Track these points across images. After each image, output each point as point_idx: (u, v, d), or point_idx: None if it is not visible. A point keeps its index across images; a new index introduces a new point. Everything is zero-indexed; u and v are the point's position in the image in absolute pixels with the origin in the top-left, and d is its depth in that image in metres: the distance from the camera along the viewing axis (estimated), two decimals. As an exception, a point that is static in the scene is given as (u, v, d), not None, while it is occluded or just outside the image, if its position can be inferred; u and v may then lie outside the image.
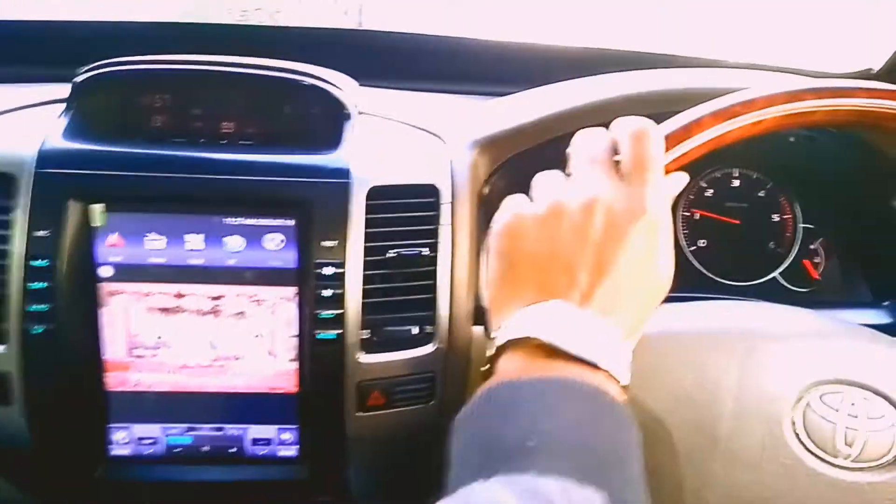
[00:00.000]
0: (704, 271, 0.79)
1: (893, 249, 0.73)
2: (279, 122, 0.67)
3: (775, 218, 0.80)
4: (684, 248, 0.79)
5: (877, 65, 0.93)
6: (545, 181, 0.41)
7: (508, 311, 0.37)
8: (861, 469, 0.46)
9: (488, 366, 0.36)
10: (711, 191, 0.79)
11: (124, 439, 0.67)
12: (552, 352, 0.33)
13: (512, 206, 0.40)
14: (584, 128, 0.68)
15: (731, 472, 0.46)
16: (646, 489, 0.31)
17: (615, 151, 0.40)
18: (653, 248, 0.37)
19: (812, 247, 0.81)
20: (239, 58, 0.70)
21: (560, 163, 0.76)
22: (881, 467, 0.46)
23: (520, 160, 0.71)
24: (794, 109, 0.44)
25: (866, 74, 0.96)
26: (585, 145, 0.41)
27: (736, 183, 0.80)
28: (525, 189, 0.76)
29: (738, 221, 0.79)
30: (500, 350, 0.36)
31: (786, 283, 0.81)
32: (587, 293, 0.35)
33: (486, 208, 0.71)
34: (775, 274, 0.80)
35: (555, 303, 0.35)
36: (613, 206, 0.37)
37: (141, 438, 0.67)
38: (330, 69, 0.77)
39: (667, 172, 0.41)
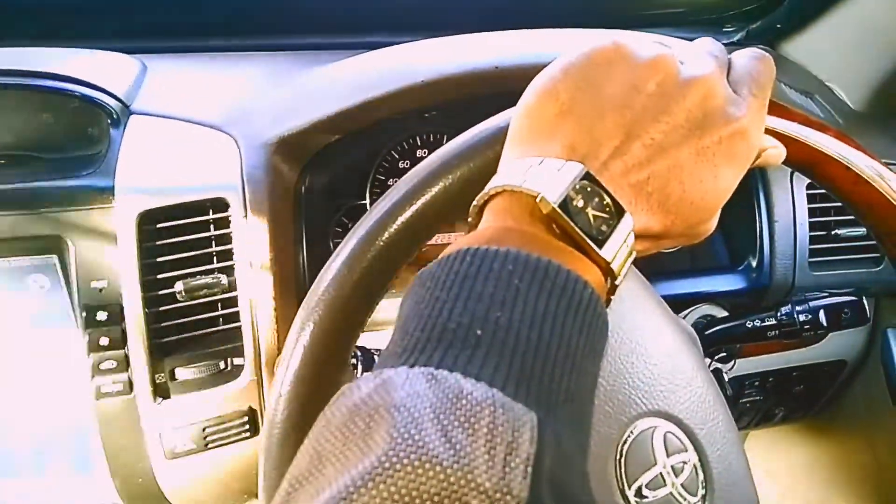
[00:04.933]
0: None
1: (748, 211, 0.68)
2: (34, 135, 0.56)
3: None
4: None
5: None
6: (663, 39, 0.35)
7: (530, 149, 0.31)
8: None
9: (470, 219, 0.31)
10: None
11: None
12: (545, 218, 0.28)
13: (616, 37, 0.33)
14: (387, 116, 0.60)
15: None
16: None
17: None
18: (723, 160, 0.31)
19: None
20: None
21: (383, 144, 0.68)
22: None
23: (334, 153, 0.62)
24: None
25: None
26: (706, 43, 0.35)
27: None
28: (355, 176, 0.68)
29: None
30: (490, 198, 0.30)
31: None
32: (627, 168, 0.30)
33: (307, 205, 0.63)
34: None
35: (575, 165, 0.29)
36: (714, 97, 0.31)
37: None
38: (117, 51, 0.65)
39: None
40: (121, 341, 0.53)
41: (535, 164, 0.29)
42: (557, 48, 0.62)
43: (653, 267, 0.75)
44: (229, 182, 0.56)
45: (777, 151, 0.36)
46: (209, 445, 0.57)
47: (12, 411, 0.57)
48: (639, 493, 0.42)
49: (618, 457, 0.43)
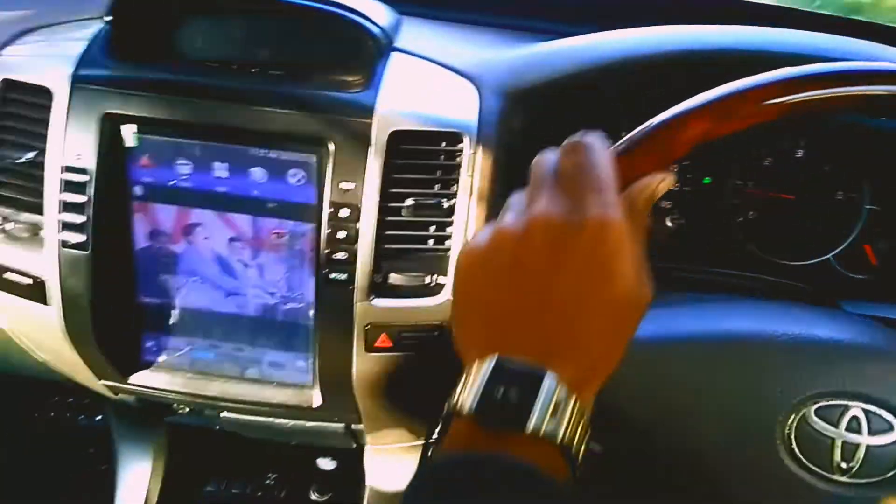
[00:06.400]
0: (750, 246, 0.74)
1: None
2: (312, 53, 0.66)
3: (839, 196, 0.73)
4: (730, 221, 0.74)
5: None
6: (506, 207, 0.38)
7: (464, 359, 0.35)
8: (864, 484, 0.43)
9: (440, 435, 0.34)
10: (770, 160, 0.73)
11: (154, 348, 0.72)
12: (479, 422, 0.31)
13: (466, 243, 0.38)
14: (623, 83, 0.64)
15: (722, 489, 0.45)
16: None
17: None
18: (605, 261, 0.32)
19: (876, 230, 0.74)
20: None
21: (602, 118, 0.72)
22: (888, 481, 0.43)
23: (561, 113, 0.67)
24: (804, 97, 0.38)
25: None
26: (534, 167, 0.37)
27: (799, 154, 0.73)
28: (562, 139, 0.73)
29: (792, 197, 0.72)
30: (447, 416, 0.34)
31: (840, 268, 0.75)
32: (528, 331, 0.32)
33: (519, 160, 0.69)
34: (829, 256, 0.74)
35: (489, 362, 0.32)
36: (552, 222, 0.33)
37: (169, 349, 0.72)
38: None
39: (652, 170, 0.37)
40: (354, 238, 0.61)
41: (465, 379, 0.32)
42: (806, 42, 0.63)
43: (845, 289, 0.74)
44: (467, 121, 0.62)
45: (665, 181, 0.36)
46: (402, 348, 0.64)
47: (251, 284, 0.67)
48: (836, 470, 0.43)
49: (792, 448, 0.44)
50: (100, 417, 1.36)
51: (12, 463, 1.31)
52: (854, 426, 0.43)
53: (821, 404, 0.43)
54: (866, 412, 0.43)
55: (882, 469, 0.43)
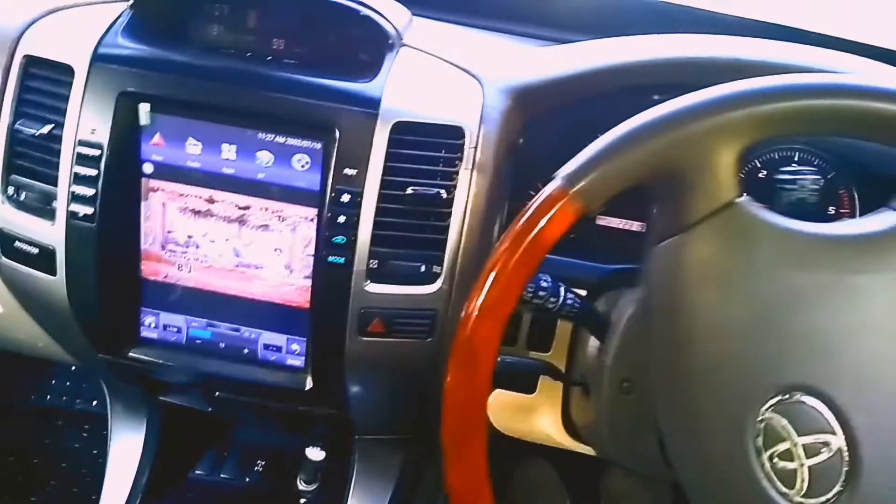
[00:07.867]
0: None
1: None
2: (325, 45, 0.68)
3: (831, 211, 0.75)
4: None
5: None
6: None
7: None
8: None
9: None
10: (764, 172, 0.75)
11: (152, 324, 0.73)
12: None
13: None
14: (626, 87, 0.66)
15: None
16: None
17: None
18: None
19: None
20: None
21: (601, 123, 0.74)
22: None
23: (561, 116, 0.70)
24: None
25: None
26: None
27: (793, 167, 0.75)
28: (561, 148, 0.75)
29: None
30: None
31: None
32: None
33: (518, 160, 0.71)
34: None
35: None
36: None
37: (167, 326, 0.73)
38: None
39: None
40: (354, 223, 0.63)
41: None
42: (801, 58, 0.66)
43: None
44: (469, 116, 0.65)
45: None
46: (394, 334, 0.66)
47: (251, 265, 0.69)
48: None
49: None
50: (95, 403, 1.38)
51: (6, 445, 1.32)
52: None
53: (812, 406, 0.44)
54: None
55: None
